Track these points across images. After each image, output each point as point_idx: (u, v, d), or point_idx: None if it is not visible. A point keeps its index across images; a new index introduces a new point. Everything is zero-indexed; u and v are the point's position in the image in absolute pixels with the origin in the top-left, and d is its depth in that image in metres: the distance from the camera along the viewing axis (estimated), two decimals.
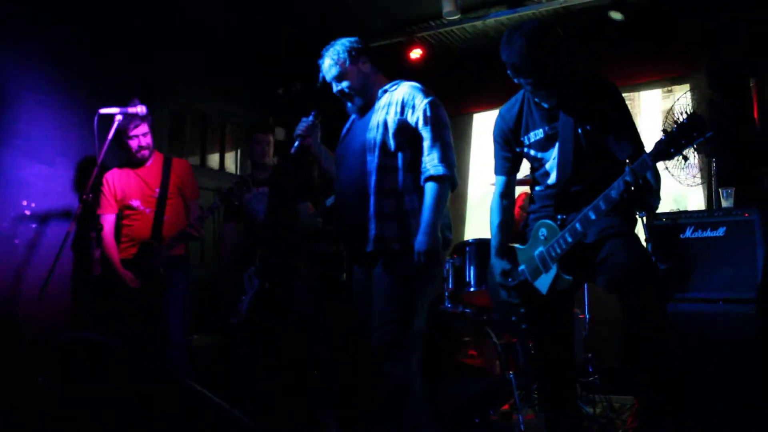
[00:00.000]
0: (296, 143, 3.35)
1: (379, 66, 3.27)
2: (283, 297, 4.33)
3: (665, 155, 2.52)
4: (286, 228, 4.45)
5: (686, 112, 4.46)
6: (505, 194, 3.18)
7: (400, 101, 3.12)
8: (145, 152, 4.21)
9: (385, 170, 3.07)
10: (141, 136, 4.15)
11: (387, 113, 3.12)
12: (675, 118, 4.69)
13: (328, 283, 5.14)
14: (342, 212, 3.23)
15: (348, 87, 3.20)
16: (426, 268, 2.94)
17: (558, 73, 2.79)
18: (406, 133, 3.08)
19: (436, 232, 2.95)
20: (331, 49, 3.22)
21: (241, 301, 4.34)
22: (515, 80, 2.89)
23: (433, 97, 3.11)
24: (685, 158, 2.65)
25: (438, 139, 3.03)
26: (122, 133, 4.04)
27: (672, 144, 2.48)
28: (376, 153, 3.08)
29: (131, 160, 4.22)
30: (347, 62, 3.18)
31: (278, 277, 4.31)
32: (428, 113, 3.05)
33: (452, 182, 3.05)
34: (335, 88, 3.25)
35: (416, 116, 3.07)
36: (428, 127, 3.05)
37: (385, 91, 3.20)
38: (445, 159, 3.02)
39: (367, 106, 3.23)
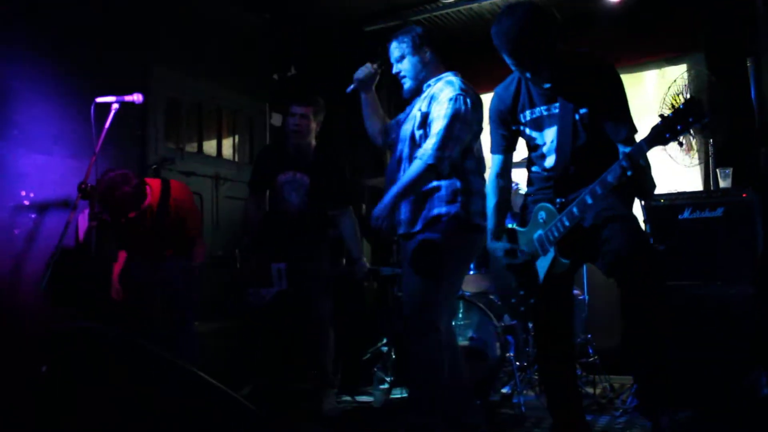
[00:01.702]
0: (352, 85, 3.44)
1: (442, 59, 3.38)
2: (303, 298, 4.34)
3: (661, 140, 2.53)
4: (322, 231, 4.45)
5: (683, 95, 4.47)
6: (501, 174, 3.19)
7: (432, 95, 3.26)
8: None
9: (411, 160, 3.25)
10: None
11: (420, 106, 3.29)
12: (671, 102, 4.69)
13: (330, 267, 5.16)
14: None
15: (402, 71, 3.36)
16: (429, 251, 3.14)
17: (544, 59, 2.79)
18: (427, 126, 3.23)
19: (393, 204, 3.15)
20: (400, 34, 3.37)
21: (265, 290, 4.28)
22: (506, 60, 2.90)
23: (463, 93, 3.19)
24: (680, 143, 2.65)
25: (444, 129, 3.13)
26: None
27: (668, 129, 2.49)
28: (407, 143, 3.31)
29: None
30: (408, 48, 3.31)
31: (306, 285, 4.30)
32: (447, 107, 3.16)
33: (436, 172, 3.14)
34: (393, 69, 3.40)
35: (438, 109, 3.19)
36: (441, 117, 3.15)
37: (429, 85, 3.33)
38: (441, 149, 3.11)
39: (417, 94, 3.38)
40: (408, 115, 3.42)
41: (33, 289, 3.98)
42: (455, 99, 3.16)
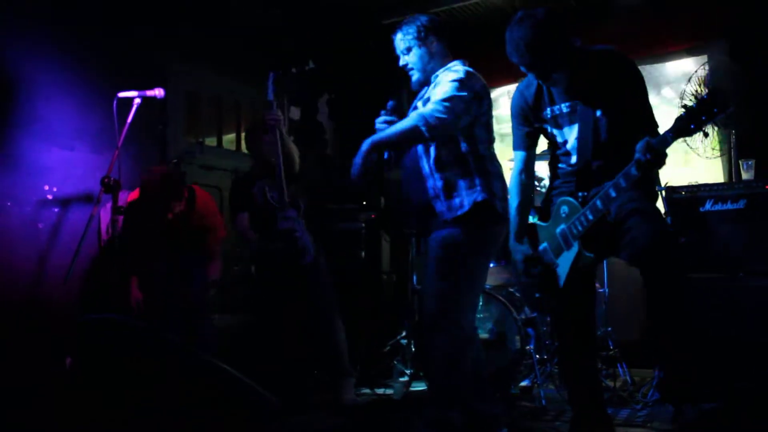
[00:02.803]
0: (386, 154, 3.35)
1: (450, 48, 3.32)
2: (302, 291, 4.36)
3: (686, 132, 2.52)
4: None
5: (704, 85, 4.44)
6: (524, 170, 3.19)
7: (437, 83, 3.21)
8: None
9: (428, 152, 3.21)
10: None
11: (429, 95, 3.22)
12: (693, 92, 4.65)
13: (344, 262, 5.17)
14: (407, 186, 3.34)
15: (409, 64, 3.29)
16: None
17: (556, 66, 2.82)
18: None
19: (376, 148, 3.06)
20: (405, 25, 3.28)
21: (299, 240, 4.25)
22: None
23: (466, 77, 3.13)
24: (706, 134, 2.63)
25: (440, 101, 3.05)
26: None
27: (692, 120, 2.48)
28: None
29: None
30: (414, 39, 3.24)
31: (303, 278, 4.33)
32: (449, 85, 3.10)
33: (424, 134, 3.04)
34: (400, 62, 3.33)
35: (439, 88, 3.14)
36: (440, 93, 3.10)
37: (437, 75, 3.27)
38: (432, 115, 3.02)
39: (426, 85, 3.32)
40: (414, 106, 3.36)
41: (57, 282, 4.04)
42: (457, 80, 3.10)
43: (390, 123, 3.21)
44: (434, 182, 3.17)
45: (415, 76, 3.31)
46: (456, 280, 3.11)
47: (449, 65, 3.26)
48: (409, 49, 3.27)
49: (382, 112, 3.32)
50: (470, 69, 3.20)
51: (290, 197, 4.21)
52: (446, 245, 3.13)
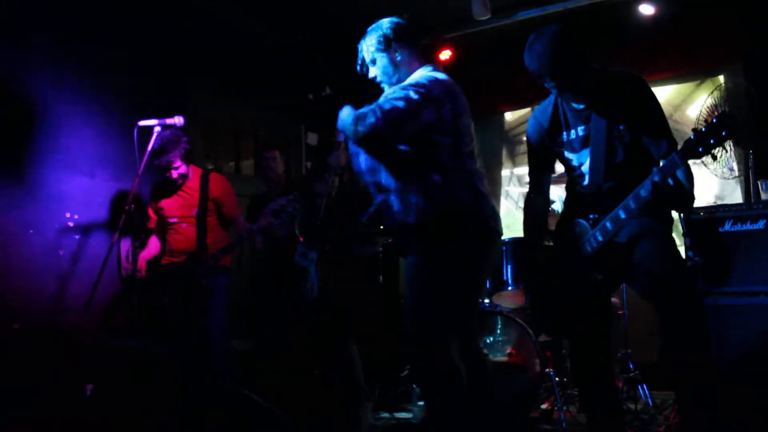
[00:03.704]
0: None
1: (420, 54, 3.03)
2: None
3: (694, 154, 2.52)
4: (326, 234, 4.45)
5: (720, 107, 4.43)
6: (540, 193, 3.20)
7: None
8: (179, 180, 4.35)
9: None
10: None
11: None
12: (705, 116, 4.65)
13: (366, 285, 5.18)
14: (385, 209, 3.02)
15: (376, 76, 3.04)
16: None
17: (580, 75, 2.80)
18: None
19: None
20: (369, 32, 3.03)
21: (307, 280, 4.25)
22: (544, 84, 2.91)
23: (420, 81, 2.83)
24: (714, 157, 2.63)
25: (378, 102, 2.77)
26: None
27: (701, 143, 2.48)
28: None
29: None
30: (377, 50, 2.98)
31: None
32: (394, 92, 2.81)
33: (353, 134, 2.75)
34: (369, 74, 3.07)
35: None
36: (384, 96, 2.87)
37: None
38: (366, 116, 2.71)
39: None
40: None
41: (78, 309, 4.07)
42: (408, 85, 2.82)
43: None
44: (391, 195, 2.87)
45: (385, 89, 3.03)
46: (429, 303, 2.81)
47: (415, 72, 2.98)
48: (374, 61, 3.01)
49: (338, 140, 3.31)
50: (435, 74, 2.91)
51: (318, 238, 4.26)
52: (415, 268, 2.86)
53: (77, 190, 4.39)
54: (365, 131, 2.68)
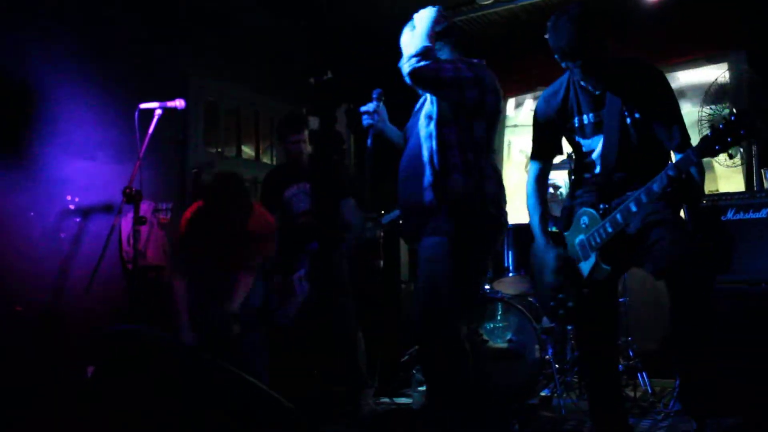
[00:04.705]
0: (370, 133, 3.20)
1: (456, 45, 3.18)
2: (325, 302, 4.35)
3: (711, 152, 2.51)
4: (330, 228, 4.45)
5: (727, 94, 4.41)
6: (541, 178, 3.17)
7: None
8: None
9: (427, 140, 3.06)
10: None
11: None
12: (712, 100, 4.64)
13: (366, 270, 5.17)
14: (402, 190, 3.18)
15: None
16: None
17: (606, 57, 2.77)
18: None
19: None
20: (411, 21, 3.14)
21: (289, 304, 4.29)
22: (563, 65, 2.87)
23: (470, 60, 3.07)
24: (731, 155, 2.63)
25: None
26: None
27: (718, 141, 2.46)
28: (424, 125, 3.09)
29: None
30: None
31: (329, 286, 4.31)
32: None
33: (411, 64, 2.93)
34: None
35: None
36: None
37: None
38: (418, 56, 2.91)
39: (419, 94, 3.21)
40: (421, 106, 3.22)
41: (78, 292, 4.07)
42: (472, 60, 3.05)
43: (372, 112, 3.18)
44: (431, 170, 2.99)
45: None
46: (446, 287, 2.94)
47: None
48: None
49: (367, 105, 3.24)
50: (482, 63, 3.11)
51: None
52: (434, 252, 2.97)
53: (78, 172, 4.37)
54: (417, 67, 2.88)
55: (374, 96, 3.26)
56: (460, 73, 2.96)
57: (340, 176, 4.60)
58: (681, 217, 2.85)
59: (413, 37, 3.00)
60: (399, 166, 3.21)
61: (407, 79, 2.96)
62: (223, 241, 4.01)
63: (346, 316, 4.40)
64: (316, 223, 4.45)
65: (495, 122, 3.12)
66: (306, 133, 4.61)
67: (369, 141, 3.20)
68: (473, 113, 3.01)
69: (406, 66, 2.93)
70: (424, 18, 3.04)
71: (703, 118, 4.69)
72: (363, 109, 3.22)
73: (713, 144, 2.46)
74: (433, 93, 3.03)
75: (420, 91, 3.17)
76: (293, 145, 4.57)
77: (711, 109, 4.71)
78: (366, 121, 3.21)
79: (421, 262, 3.04)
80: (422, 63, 2.89)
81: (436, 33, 3.04)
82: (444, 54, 3.14)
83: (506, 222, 3.10)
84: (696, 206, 3.57)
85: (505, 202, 3.10)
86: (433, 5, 3.11)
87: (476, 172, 2.98)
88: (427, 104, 3.10)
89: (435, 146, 2.99)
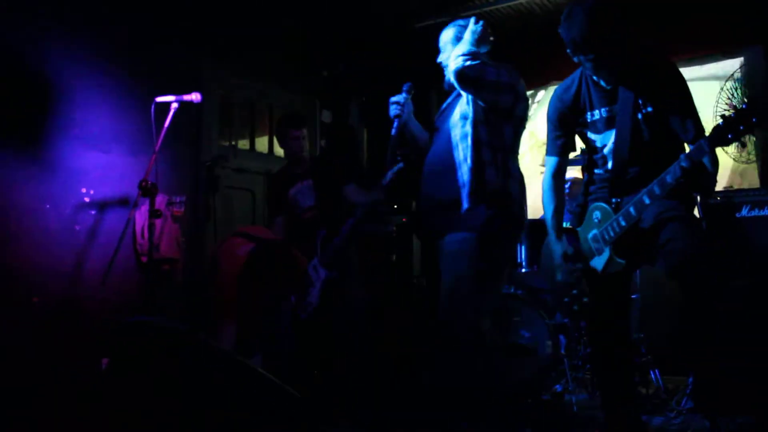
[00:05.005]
0: (395, 124, 3.32)
1: (491, 52, 3.31)
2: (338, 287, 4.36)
3: (723, 141, 2.50)
4: (336, 214, 4.46)
5: (740, 89, 4.39)
6: (558, 174, 3.18)
7: None
8: None
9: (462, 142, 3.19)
10: None
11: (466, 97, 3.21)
12: (728, 96, 4.61)
13: (378, 265, 5.18)
14: (429, 184, 3.30)
15: (443, 61, 3.35)
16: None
17: (619, 50, 2.75)
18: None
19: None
20: (450, 24, 3.39)
21: (309, 294, 4.32)
22: (575, 59, 2.86)
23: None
24: (743, 144, 2.61)
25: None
26: None
27: (730, 130, 2.45)
28: (458, 126, 3.21)
29: None
30: (452, 39, 3.31)
31: (341, 266, 4.33)
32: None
33: (459, 65, 3.07)
34: (438, 58, 3.40)
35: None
36: None
37: None
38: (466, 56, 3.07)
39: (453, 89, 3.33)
40: (450, 103, 3.35)
41: (94, 284, 4.11)
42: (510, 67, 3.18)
43: (402, 104, 3.29)
44: (465, 170, 3.11)
45: (447, 75, 3.31)
46: (473, 282, 3.06)
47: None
48: (442, 49, 3.36)
49: (396, 97, 3.33)
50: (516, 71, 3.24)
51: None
52: (463, 248, 3.08)
53: (94, 165, 4.39)
54: (462, 68, 3.03)
55: (404, 89, 3.36)
56: (501, 77, 3.11)
57: (337, 166, 4.61)
58: (695, 216, 2.84)
59: (463, 42, 3.15)
60: (425, 161, 3.34)
61: (452, 76, 3.09)
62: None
63: (354, 304, 4.42)
64: (321, 215, 4.46)
65: (522, 128, 3.29)
66: (305, 130, 4.67)
67: (393, 131, 3.30)
68: (504, 117, 3.17)
69: (453, 63, 3.07)
70: (472, 30, 3.18)
71: (717, 113, 4.67)
72: (393, 99, 3.32)
73: (725, 133, 2.45)
74: (473, 93, 3.14)
75: (459, 90, 3.24)
76: (293, 141, 4.62)
77: (729, 110, 4.69)
78: (394, 111, 3.31)
79: (445, 257, 3.15)
80: (469, 62, 3.04)
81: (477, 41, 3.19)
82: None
83: (526, 221, 3.24)
84: (709, 196, 3.53)
85: (525, 202, 3.22)
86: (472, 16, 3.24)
87: (504, 171, 3.14)
88: (463, 104, 3.20)
89: (471, 144, 3.12)
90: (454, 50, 3.16)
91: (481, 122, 3.13)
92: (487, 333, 3.16)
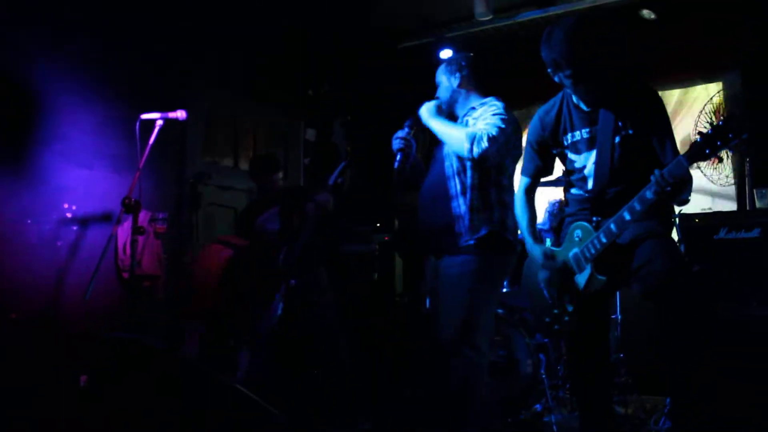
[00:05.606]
0: (398, 157, 3.38)
1: (478, 83, 3.48)
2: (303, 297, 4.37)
3: (701, 156, 2.54)
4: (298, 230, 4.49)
5: (720, 113, 4.46)
6: (529, 191, 3.28)
7: (475, 117, 3.31)
8: None
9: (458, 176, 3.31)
10: None
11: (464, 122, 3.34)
12: (707, 119, 4.67)
13: (357, 284, 5.18)
14: (425, 210, 3.44)
15: (438, 94, 3.49)
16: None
17: (598, 68, 2.80)
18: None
19: (420, 121, 3.37)
20: (446, 60, 3.55)
21: (273, 306, 4.29)
22: (555, 78, 2.90)
23: (503, 112, 3.24)
24: (720, 159, 2.66)
25: (490, 131, 3.11)
26: None
27: (707, 145, 2.49)
28: (454, 159, 3.32)
29: None
30: (444, 73, 3.47)
31: (303, 275, 4.34)
32: (491, 119, 3.19)
33: (465, 152, 3.14)
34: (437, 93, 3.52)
35: (485, 111, 3.28)
36: (490, 116, 3.21)
37: (473, 108, 3.37)
38: (480, 141, 3.09)
39: (450, 117, 3.42)
40: None
41: (74, 300, 4.08)
42: (500, 114, 3.21)
43: (407, 139, 3.37)
44: (461, 202, 3.25)
45: (443, 108, 3.45)
46: (473, 305, 3.19)
47: (486, 100, 3.38)
48: (439, 83, 3.49)
49: (400, 132, 3.42)
50: (504, 112, 3.27)
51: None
52: (463, 271, 3.22)
53: (76, 181, 4.38)
54: (481, 153, 3.07)
55: (407, 124, 3.45)
56: (507, 131, 3.15)
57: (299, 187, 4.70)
58: (671, 238, 2.87)
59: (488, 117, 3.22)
60: (424, 185, 3.48)
61: (472, 158, 3.14)
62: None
63: (324, 313, 4.44)
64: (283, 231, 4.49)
65: (518, 157, 3.38)
66: (281, 173, 4.84)
67: (396, 164, 3.37)
68: (506, 157, 3.28)
69: (467, 150, 3.11)
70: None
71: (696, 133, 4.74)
72: (398, 135, 3.41)
73: (703, 148, 2.49)
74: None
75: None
76: (271, 184, 4.76)
77: (706, 127, 4.76)
78: (398, 145, 3.40)
79: (445, 279, 3.30)
80: (485, 147, 3.07)
81: (464, 78, 3.42)
82: (473, 97, 3.43)
83: (518, 247, 3.37)
84: (685, 201, 3.52)
85: (517, 229, 3.32)
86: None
87: (500, 204, 3.28)
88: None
89: (468, 184, 3.25)
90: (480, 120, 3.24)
91: (475, 168, 3.25)
92: (486, 354, 3.27)
